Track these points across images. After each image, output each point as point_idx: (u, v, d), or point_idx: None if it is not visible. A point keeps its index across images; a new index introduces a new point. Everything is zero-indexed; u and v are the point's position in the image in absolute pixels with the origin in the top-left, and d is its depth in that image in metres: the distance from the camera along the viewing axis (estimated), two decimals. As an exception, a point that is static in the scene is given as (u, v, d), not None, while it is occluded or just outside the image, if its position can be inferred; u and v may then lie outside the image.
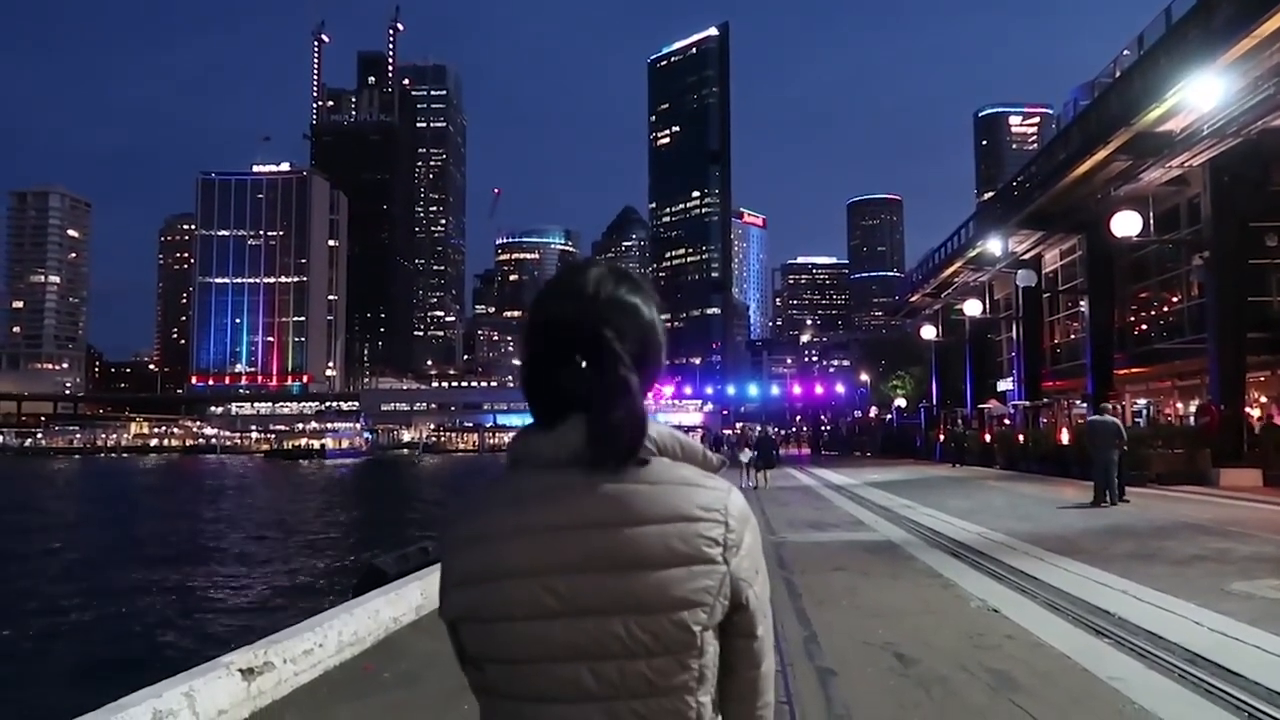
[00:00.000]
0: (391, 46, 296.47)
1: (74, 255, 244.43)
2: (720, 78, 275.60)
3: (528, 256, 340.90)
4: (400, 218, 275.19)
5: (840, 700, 4.79)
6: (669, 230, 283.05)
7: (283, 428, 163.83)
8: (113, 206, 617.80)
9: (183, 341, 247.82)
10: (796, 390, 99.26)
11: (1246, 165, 21.35)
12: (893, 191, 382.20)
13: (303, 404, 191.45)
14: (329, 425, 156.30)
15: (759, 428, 34.09)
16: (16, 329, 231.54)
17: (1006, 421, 35.87)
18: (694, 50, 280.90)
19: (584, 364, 1.13)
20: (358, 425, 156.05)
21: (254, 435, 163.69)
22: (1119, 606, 6.87)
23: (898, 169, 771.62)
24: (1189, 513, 14.08)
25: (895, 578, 8.77)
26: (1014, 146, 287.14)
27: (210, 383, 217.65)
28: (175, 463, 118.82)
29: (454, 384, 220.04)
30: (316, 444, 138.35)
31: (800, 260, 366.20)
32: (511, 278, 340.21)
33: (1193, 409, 25.15)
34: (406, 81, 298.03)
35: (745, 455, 23.80)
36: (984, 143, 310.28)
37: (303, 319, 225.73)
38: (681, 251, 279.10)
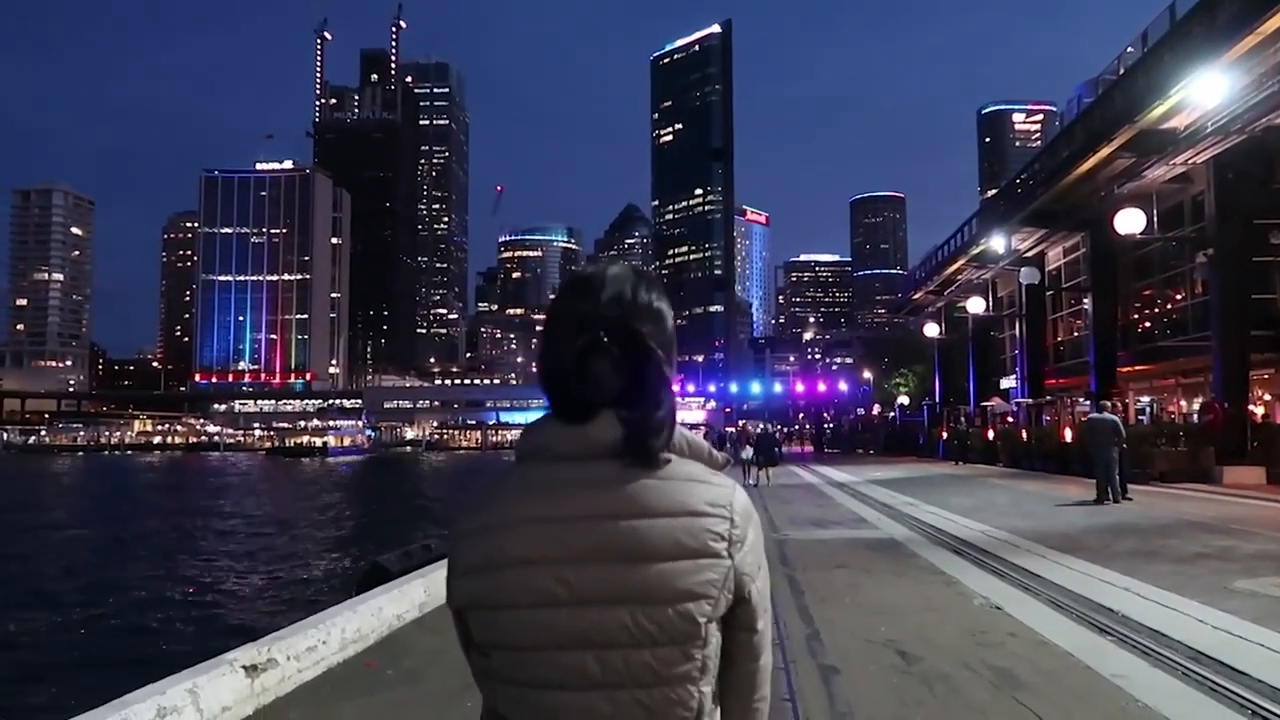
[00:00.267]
0: (394, 44, 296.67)
1: (77, 253, 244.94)
2: (723, 75, 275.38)
3: (530, 254, 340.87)
4: (403, 215, 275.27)
5: (843, 698, 4.79)
6: (672, 228, 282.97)
7: (285, 425, 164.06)
8: (116, 204, 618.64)
9: (186, 339, 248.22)
10: (799, 388, 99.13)
11: (1250, 162, 21.29)
12: (896, 189, 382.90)
13: (306, 402, 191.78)
14: (331, 423, 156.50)
15: (762, 425, 34.10)
16: (20, 326, 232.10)
17: (1009, 419, 35.84)
18: (696, 48, 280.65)
19: (617, 361, 1.16)
20: (360, 423, 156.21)
21: (257, 433, 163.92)
22: (1122, 604, 6.86)
23: (901, 166, 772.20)
24: (1192, 510, 14.06)
25: (898, 575, 8.77)
26: (1017, 144, 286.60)
27: (213, 380, 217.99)
28: (178, 460, 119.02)
29: (457, 381, 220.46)
30: (318, 442, 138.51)
31: (803, 258, 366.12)
32: (514, 275, 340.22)
33: (1196, 407, 25.10)
34: (409, 79, 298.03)
35: (747, 453, 23.81)
36: (987, 140, 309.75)
37: (306, 316, 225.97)
38: (684, 249, 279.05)
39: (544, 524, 1.15)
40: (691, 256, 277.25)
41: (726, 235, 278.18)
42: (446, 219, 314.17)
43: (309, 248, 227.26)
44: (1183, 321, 27.32)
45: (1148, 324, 29.85)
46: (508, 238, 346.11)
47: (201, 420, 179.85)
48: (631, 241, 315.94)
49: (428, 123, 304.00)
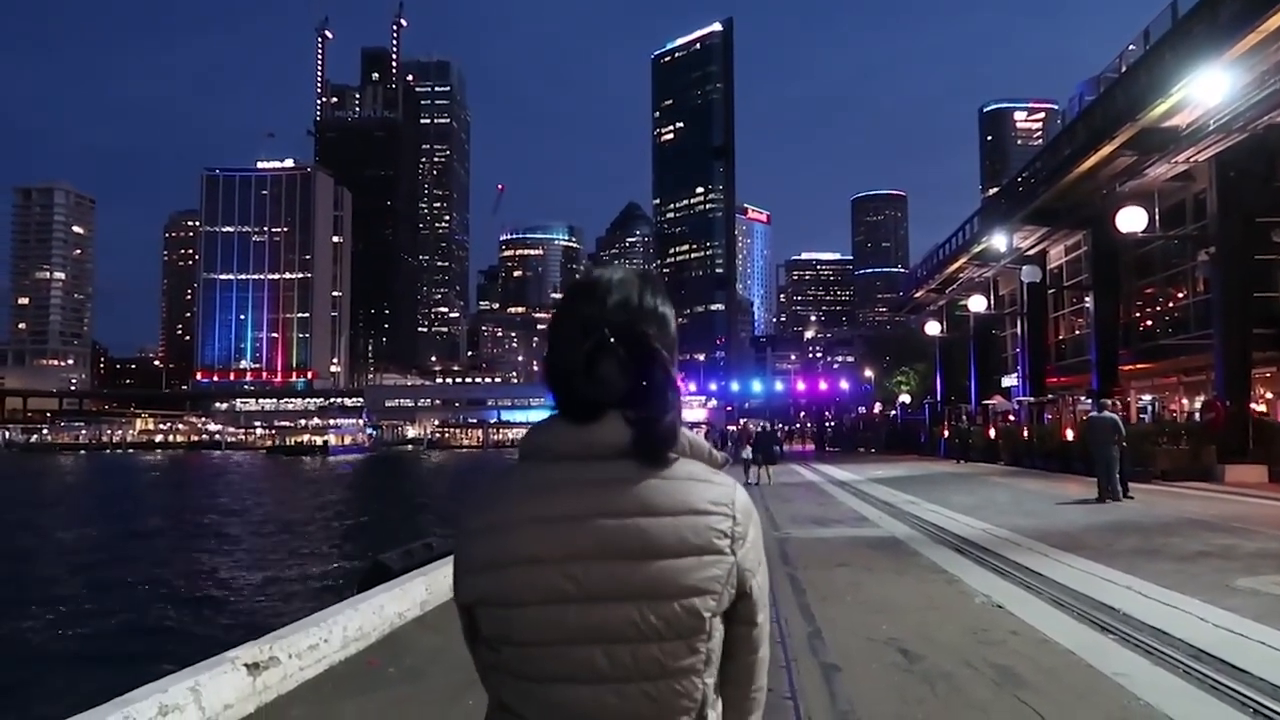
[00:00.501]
0: (395, 42, 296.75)
1: (79, 252, 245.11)
2: (724, 73, 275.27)
3: (532, 253, 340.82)
4: (404, 214, 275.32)
5: (844, 696, 4.78)
6: (673, 226, 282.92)
7: (287, 424, 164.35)
8: (117, 203, 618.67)
9: (187, 338, 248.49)
10: (800, 386, 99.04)
11: (1252, 160, 21.27)
12: (897, 187, 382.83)
13: (307, 400, 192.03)
14: (331, 421, 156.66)
15: (762, 424, 34.08)
16: (22, 325, 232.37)
17: (1011, 417, 35.82)
18: (698, 46, 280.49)
19: (623, 363, 1.20)
20: (360, 421, 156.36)
21: (258, 431, 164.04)
22: (1124, 602, 6.85)
23: (902, 165, 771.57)
24: (1194, 509, 14.05)
25: (899, 573, 8.76)
26: (1019, 142, 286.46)
27: (215, 379, 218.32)
28: (180, 459, 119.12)
29: (458, 380, 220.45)
30: (319, 440, 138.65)
31: (804, 256, 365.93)
32: (515, 274, 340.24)
33: (1198, 405, 25.07)
34: (410, 78, 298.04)
35: (747, 452, 23.77)
36: (989, 138, 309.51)
37: (307, 315, 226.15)
38: (685, 247, 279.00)
39: (550, 523, 1.18)
40: (693, 255, 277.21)
41: (728, 233, 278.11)
42: (448, 217, 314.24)
43: (310, 246, 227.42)
44: (1184, 320, 27.30)
45: (1149, 322, 29.83)
46: (509, 236, 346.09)
47: (203, 419, 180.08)
48: (633, 240, 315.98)
49: (429, 121, 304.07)
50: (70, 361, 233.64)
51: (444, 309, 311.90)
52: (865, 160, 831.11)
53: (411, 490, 53.87)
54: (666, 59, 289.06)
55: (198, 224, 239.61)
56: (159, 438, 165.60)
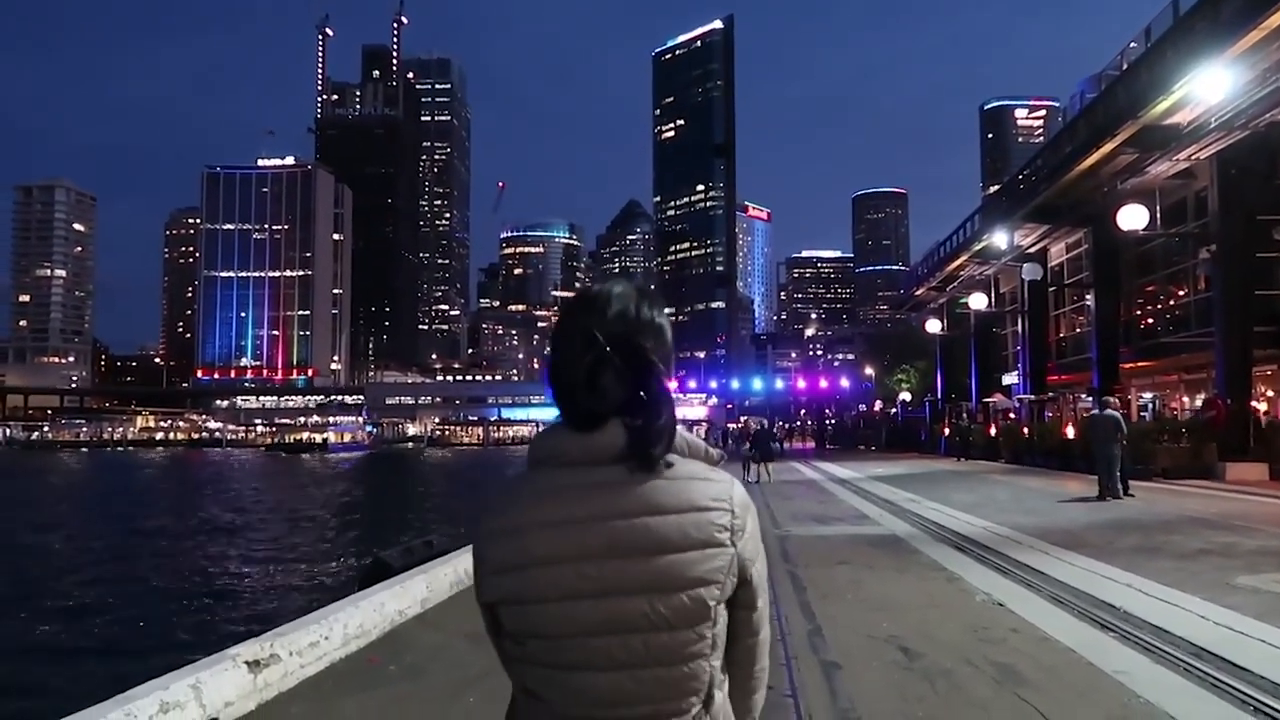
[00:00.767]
0: (396, 40, 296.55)
1: (79, 249, 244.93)
2: (725, 70, 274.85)
3: (532, 250, 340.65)
4: (405, 212, 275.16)
5: (845, 693, 4.79)
6: (673, 224, 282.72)
7: (287, 421, 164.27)
8: (118, 201, 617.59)
9: (188, 335, 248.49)
10: (801, 384, 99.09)
11: (1254, 158, 21.25)
12: (898, 185, 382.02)
13: (308, 398, 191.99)
14: (331, 419, 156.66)
15: (760, 422, 34.07)
16: (23, 323, 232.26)
17: (1011, 415, 35.81)
18: (698, 43, 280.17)
19: (621, 374, 1.28)
20: (360, 419, 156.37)
21: (259, 429, 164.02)
22: (1124, 600, 6.86)
23: (903, 163, 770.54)
24: (1194, 507, 14.05)
25: (900, 572, 8.77)
26: (1020, 140, 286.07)
27: (215, 376, 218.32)
28: (180, 456, 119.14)
29: (459, 378, 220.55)
30: (319, 438, 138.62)
31: (805, 254, 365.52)
32: (516, 271, 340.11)
33: (1199, 403, 25.06)
34: (411, 75, 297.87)
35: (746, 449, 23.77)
36: (990, 136, 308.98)
37: (307, 313, 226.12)
38: (686, 245, 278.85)
39: (563, 525, 1.27)
40: (693, 252, 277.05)
41: (728, 231, 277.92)
42: (448, 215, 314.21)
43: (311, 244, 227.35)
44: (1185, 317, 27.29)
45: (1150, 320, 29.83)
46: (509, 234, 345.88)
47: (203, 416, 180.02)
48: (633, 237, 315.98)
49: (429, 119, 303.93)
50: (71, 359, 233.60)
51: (444, 306, 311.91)
52: (866, 158, 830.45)
53: (411, 492, 53.90)
54: (667, 56, 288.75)
55: (198, 221, 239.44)
56: (160, 435, 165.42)
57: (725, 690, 1.34)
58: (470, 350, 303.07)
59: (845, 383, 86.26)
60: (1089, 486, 16.14)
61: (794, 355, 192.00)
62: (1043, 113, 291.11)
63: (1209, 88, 18.35)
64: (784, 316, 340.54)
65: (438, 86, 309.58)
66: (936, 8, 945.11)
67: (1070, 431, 25.54)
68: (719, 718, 1.32)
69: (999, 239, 31.74)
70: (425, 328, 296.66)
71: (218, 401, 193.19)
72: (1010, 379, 39.46)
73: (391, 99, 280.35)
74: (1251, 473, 19.37)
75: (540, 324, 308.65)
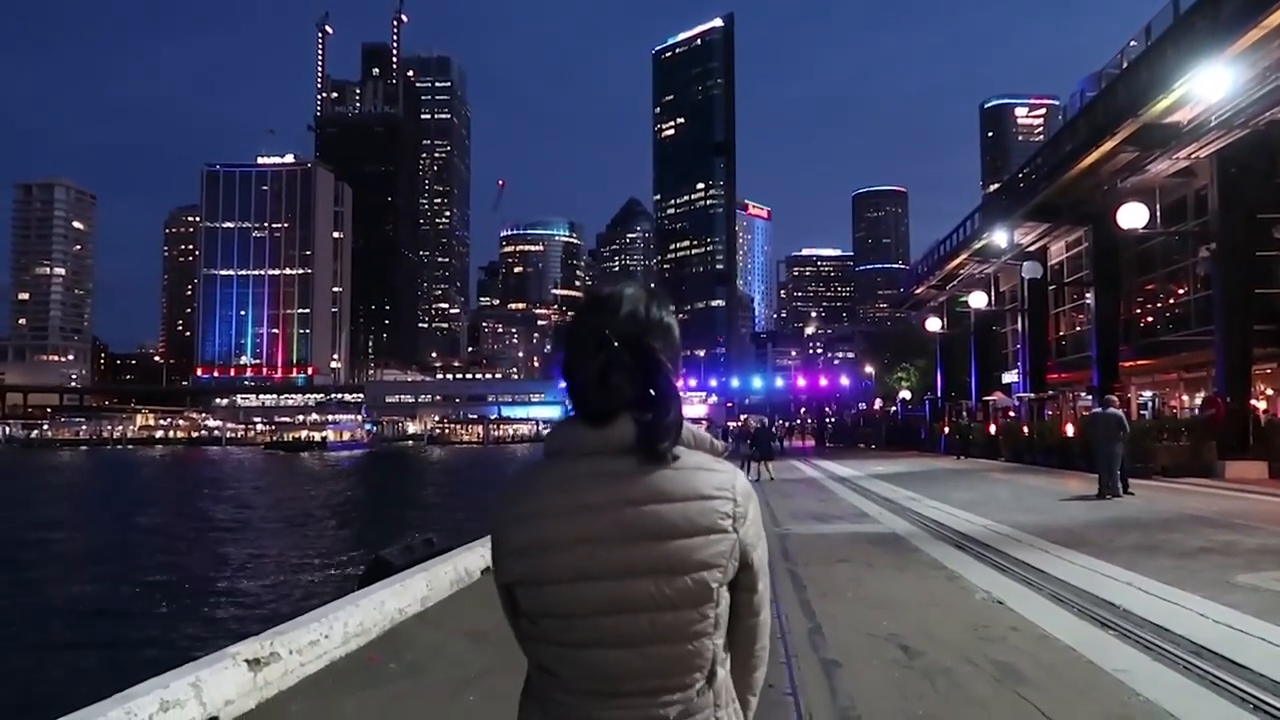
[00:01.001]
0: (396, 38, 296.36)
1: (79, 247, 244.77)
2: (725, 69, 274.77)
3: (532, 248, 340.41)
4: (404, 210, 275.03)
5: (845, 692, 4.79)
6: (674, 222, 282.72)
7: (287, 420, 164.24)
8: (117, 199, 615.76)
9: (188, 333, 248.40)
10: (801, 382, 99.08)
11: (1254, 157, 21.24)
12: (898, 184, 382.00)
13: (307, 396, 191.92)
14: (330, 417, 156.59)
15: (759, 420, 34.01)
16: (22, 321, 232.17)
17: (1011, 414, 35.81)
18: (698, 41, 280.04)
19: (632, 372, 1.36)
20: (359, 417, 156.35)
21: (258, 427, 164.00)
22: (1124, 599, 6.86)
23: (903, 161, 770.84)
24: (1194, 505, 14.05)
25: (900, 570, 8.77)
26: (1020, 138, 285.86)
27: (215, 375, 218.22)
28: (180, 455, 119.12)
29: (458, 376, 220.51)
30: (317, 436, 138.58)
31: (805, 252, 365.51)
32: (516, 270, 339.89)
33: (1198, 401, 25.07)
34: (411, 73, 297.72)
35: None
36: (990, 134, 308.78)
37: (307, 311, 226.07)
38: (686, 243, 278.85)
39: (576, 512, 1.35)
40: (693, 251, 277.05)
41: (728, 229, 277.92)
42: (448, 213, 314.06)
43: (310, 242, 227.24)
44: (1185, 316, 27.30)
45: (1150, 318, 29.83)
46: (509, 232, 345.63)
47: (203, 414, 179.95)
48: (633, 236, 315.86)
49: (429, 117, 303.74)
50: (71, 357, 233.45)
51: (444, 305, 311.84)
52: (866, 157, 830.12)
53: (413, 487, 53.89)
54: (667, 54, 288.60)
55: (198, 219, 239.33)
56: (159, 433, 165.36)
57: (727, 667, 1.42)
58: (470, 348, 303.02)
59: (845, 381, 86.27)
60: (1089, 485, 16.14)
61: (794, 353, 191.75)
62: (1043, 111, 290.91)
63: (1209, 86, 18.33)
64: (784, 315, 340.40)
65: (438, 84, 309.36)
66: (936, 7, 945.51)
67: (1070, 430, 25.54)
68: (721, 692, 1.40)
69: (999, 237, 31.74)
70: (425, 326, 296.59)
71: (217, 400, 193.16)
72: (1010, 377, 39.46)
73: (391, 97, 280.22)
74: (1251, 471, 19.37)
75: (540, 322, 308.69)
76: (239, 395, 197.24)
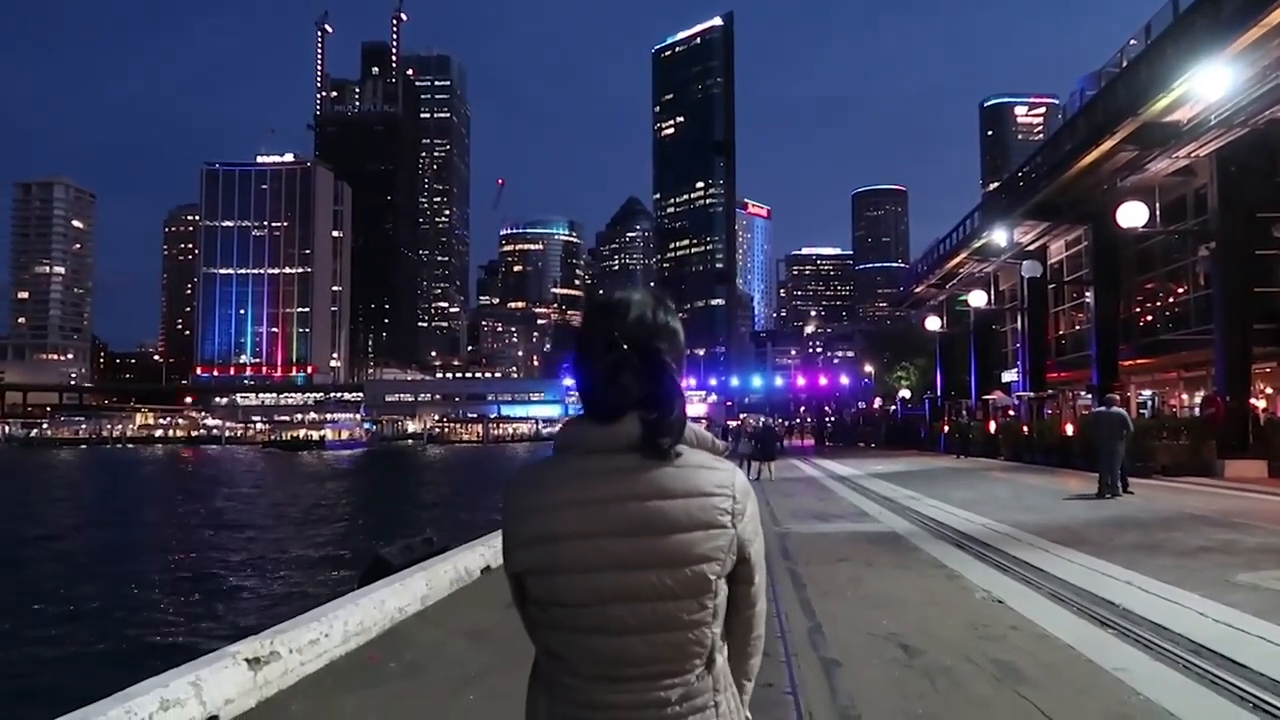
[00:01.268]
0: (395, 37, 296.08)
1: (79, 246, 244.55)
2: (725, 68, 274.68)
3: (532, 247, 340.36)
4: (404, 209, 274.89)
5: (845, 691, 4.79)
6: (673, 221, 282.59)
7: (286, 419, 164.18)
8: (117, 198, 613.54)
9: (187, 332, 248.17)
10: (800, 381, 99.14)
11: (1254, 155, 21.23)
12: (898, 182, 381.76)
13: (307, 395, 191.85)
14: (329, 416, 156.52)
15: (763, 420, 34.01)
16: (22, 320, 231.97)
17: (1011, 413, 35.82)
18: (698, 40, 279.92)
19: (639, 373, 1.43)
20: (358, 416, 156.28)
21: (258, 426, 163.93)
22: (1124, 598, 6.86)
23: (903, 160, 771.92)
24: (1194, 504, 14.05)
25: (900, 569, 8.77)
26: (1020, 137, 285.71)
27: (214, 374, 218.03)
28: (179, 453, 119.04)
29: (458, 375, 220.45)
30: (316, 435, 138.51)
31: (805, 251, 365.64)
32: (515, 268, 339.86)
33: (1198, 400, 25.07)
34: (410, 72, 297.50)
35: (745, 448, 23.64)
36: (990, 133, 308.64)
37: (307, 310, 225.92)
38: (686, 242, 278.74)
39: (585, 505, 1.43)
40: (693, 250, 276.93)
41: (728, 228, 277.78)
42: (448, 212, 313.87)
43: (310, 241, 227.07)
44: (1185, 315, 27.30)
45: (1150, 317, 29.83)
46: (509, 231, 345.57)
47: (203, 413, 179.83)
48: (633, 235, 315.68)
49: (429, 115, 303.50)
50: (70, 356, 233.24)
51: (444, 304, 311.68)
52: (866, 156, 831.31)
53: (412, 487, 53.87)
54: (667, 53, 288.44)
55: (198, 218, 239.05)
56: (158, 432, 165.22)
57: (725, 655, 1.50)
58: (470, 347, 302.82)
59: (845, 380, 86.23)
60: (1088, 483, 16.14)
61: (793, 352, 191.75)
62: (1043, 110, 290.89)
63: (1209, 85, 18.34)
64: (784, 314, 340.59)
65: (437, 83, 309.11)
66: (937, 6, 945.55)
67: (1070, 428, 25.56)
68: (719, 678, 1.48)
69: (999, 236, 31.74)
70: (425, 325, 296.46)
71: (217, 398, 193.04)
72: (1010, 376, 39.47)
73: (391, 96, 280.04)
74: (1251, 470, 19.39)
75: (540, 321, 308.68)
76: (238, 394, 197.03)
